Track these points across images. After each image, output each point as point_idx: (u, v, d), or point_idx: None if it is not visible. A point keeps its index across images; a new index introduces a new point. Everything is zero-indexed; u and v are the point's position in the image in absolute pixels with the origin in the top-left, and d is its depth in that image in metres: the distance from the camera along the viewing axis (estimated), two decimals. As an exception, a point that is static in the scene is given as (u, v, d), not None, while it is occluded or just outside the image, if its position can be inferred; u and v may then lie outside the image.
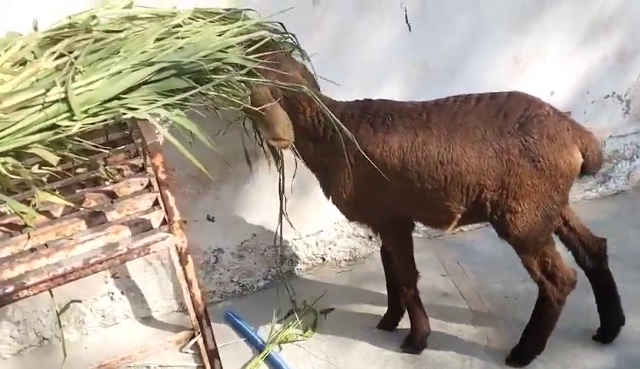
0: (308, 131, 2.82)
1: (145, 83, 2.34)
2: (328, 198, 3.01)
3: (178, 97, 2.34)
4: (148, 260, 3.58)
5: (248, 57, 2.57)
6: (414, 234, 3.82)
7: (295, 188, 3.26)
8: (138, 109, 2.24)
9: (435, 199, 2.68)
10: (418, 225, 3.79)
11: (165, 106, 2.34)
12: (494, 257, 3.64)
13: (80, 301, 3.50)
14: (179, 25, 2.69)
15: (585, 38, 3.61)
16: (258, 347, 3.41)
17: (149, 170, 2.62)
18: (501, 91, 2.64)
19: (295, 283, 3.79)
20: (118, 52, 2.39)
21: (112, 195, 2.49)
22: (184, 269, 2.35)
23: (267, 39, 2.69)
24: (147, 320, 3.75)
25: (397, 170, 2.67)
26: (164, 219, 2.33)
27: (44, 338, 3.64)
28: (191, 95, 2.39)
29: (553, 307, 2.86)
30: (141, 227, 2.33)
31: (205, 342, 2.61)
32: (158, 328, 3.70)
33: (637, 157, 4.00)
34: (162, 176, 2.16)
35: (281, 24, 2.96)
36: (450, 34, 3.21)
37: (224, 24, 2.76)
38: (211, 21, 2.81)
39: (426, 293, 3.51)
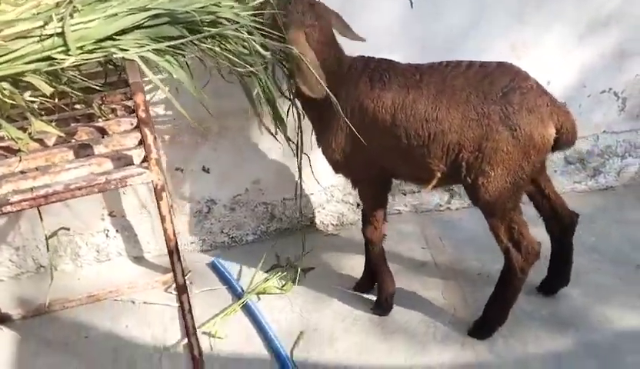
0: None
1: (139, 27, 2.49)
2: (319, 146, 3.14)
3: (168, 43, 2.49)
4: (142, 203, 3.77)
5: (240, 13, 2.70)
6: (401, 208, 4.02)
7: (288, 150, 3.37)
8: (128, 50, 2.40)
9: (419, 155, 2.83)
10: (407, 199, 4.00)
11: (156, 51, 2.50)
12: (475, 236, 3.74)
13: (68, 229, 3.68)
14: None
15: (583, 33, 3.67)
16: (237, 295, 3.59)
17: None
18: (491, 61, 2.78)
19: (282, 241, 3.96)
20: (117, -3, 2.55)
21: (103, 131, 2.66)
22: (158, 204, 2.51)
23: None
24: (138, 259, 3.96)
25: (387, 125, 2.83)
26: (144, 156, 2.49)
27: (40, 265, 3.88)
28: (182, 44, 2.55)
29: (517, 276, 2.98)
30: (123, 161, 2.49)
31: (174, 277, 2.76)
32: (148, 268, 3.91)
33: (629, 155, 4.05)
34: (142, 114, 2.31)
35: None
36: (451, 15, 3.30)
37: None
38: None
39: (404, 262, 3.71)
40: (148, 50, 2.44)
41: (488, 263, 3.59)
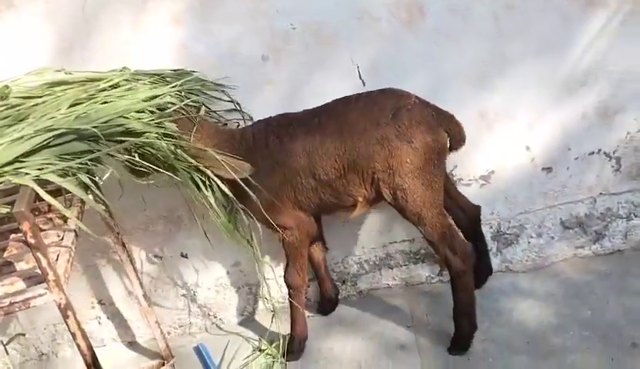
0: None
1: (46, 146, 2.58)
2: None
3: (77, 160, 2.56)
4: (128, 290, 3.86)
5: (149, 123, 2.73)
6: (391, 282, 3.90)
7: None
8: (28, 173, 2.48)
9: (340, 186, 3.12)
10: (395, 273, 3.88)
11: (65, 169, 2.57)
12: (462, 313, 3.55)
13: (24, 335, 3.90)
14: (113, 87, 2.92)
15: (560, 94, 3.44)
16: (214, 384, 3.59)
17: (70, 222, 2.87)
18: (374, 90, 3.12)
19: (269, 321, 3.90)
20: (27, 118, 2.64)
21: (28, 245, 2.74)
22: (66, 323, 2.55)
23: (176, 106, 2.85)
24: (132, 344, 4.05)
25: (306, 169, 3.10)
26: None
27: (42, 353, 4.03)
28: (92, 159, 2.61)
29: (462, 277, 3.20)
30: (35, 280, 2.55)
31: None
32: (140, 353, 3.97)
33: (635, 217, 3.73)
34: (31, 240, 2.36)
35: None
36: (406, 87, 3.18)
37: (155, 87, 2.95)
38: (152, 82, 3.02)
39: (385, 342, 3.57)
40: (50, 171, 2.50)
41: (473, 341, 3.39)
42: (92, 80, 2.99)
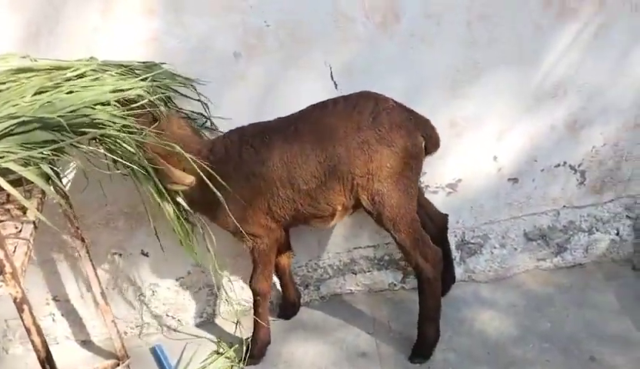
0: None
1: (9, 135, 2.48)
2: (216, 222, 3.23)
3: (40, 149, 2.47)
4: (87, 287, 3.74)
5: (116, 114, 2.66)
6: (354, 288, 3.87)
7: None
8: (-12, 162, 2.39)
9: (319, 195, 3.06)
10: (358, 278, 3.85)
11: (26, 158, 2.48)
12: (424, 320, 3.54)
13: None
14: (80, 76, 2.83)
15: (528, 106, 3.46)
16: (169, 387, 3.51)
17: (29, 213, 2.77)
18: (351, 93, 3.08)
19: (229, 323, 3.84)
20: (-10, 105, 2.55)
21: (-12, 235, 2.65)
22: (20, 317, 2.46)
23: (144, 101, 2.78)
24: (86, 343, 3.93)
25: (284, 179, 3.03)
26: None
27: (-9, 350, 3.90)
28: (55, 149, 2.52)
29: (432, 284, 3.20)
30: (-12, 271, 2.46)
31: None
32: (94, 353, 3.86)
33: (597, 231, 3.77)
34: (-12, 230, 2.28)
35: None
36: (381, 91, 3.15)
37: (123, 79, 2.88)
38: (120, 73, 2.94)
39: (347, 349, 3.54)
40: (10, 160, 2.41)
41: (435, 352, 3.39)
42: (58, 68, 2.89)
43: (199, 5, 3.10)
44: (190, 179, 2.96)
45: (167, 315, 3.88)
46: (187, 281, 3.82)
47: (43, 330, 3.73)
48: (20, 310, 2.44)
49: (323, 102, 3.07)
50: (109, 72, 2.93)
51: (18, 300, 2.41)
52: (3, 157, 2.42)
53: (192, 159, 2.86)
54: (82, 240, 3.33)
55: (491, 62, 3.35)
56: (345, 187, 3.04)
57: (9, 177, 2.49)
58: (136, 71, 3.03)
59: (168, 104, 3.13)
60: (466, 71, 3.35)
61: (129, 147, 2.70)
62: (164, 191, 2.97)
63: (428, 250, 3.16)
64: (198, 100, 3.23)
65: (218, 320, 3.93)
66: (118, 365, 3.66)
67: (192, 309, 3.89)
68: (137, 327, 3.90)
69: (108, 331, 3.66)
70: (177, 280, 3.81)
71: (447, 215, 3.57)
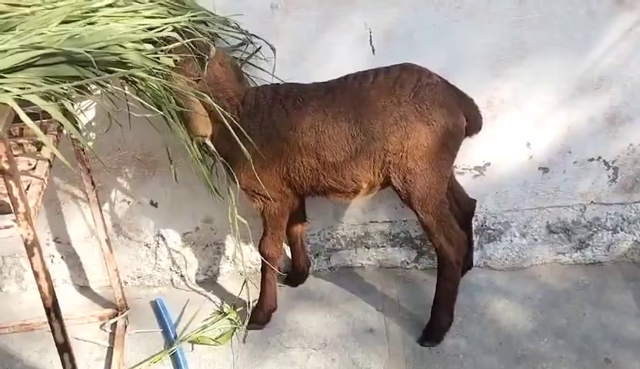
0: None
1: (32, 65, 2.31)
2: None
3: (62, 85, 2.30)
4: (91, 231, 3.61)
5: (148, 56, 2.49)
6: (365, 262, 3.75)
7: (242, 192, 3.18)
8: (10, 91, 2.21)
9: (346, 169, 2.93)
10: (370, 253, 3.73)
11: (48, 93, 2.31)
12: (434, 303, 3.43)
13: None
14: (109, 6, 2.65)
15: (570, 94, 3.29)
16: (169, 342, 3.39)
17: (44, 150, 2.62)
18: (393, 65, 2.91)
19: (234, 284, 3.73)
20: (14, 29, 2.37)
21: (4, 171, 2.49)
22: (29, 260, 2.32)
23: (178, 43, 2.60)
24: (84, 289, 3.82)
25: (311, 148, 2.89)
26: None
27: (-15, 284, 3.78)
28: (79, 86, 2.36)
29: (453, 268, 3.10)
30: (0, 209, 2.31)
31: (53, 336, 2.52)
32: (92, 300, 3.76)
33: (621, 230, 3.64)
34: (5, 166, 2.11)
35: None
36: (419, 63, 2.98)
37: (153, 15, 2.69)
38: (151, 6, 2.75)
39: (353, 323, 3.43)
40: (32, 92, 2.24)
41: (445, 338, 3.28)
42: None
43: (241, -50, 2.94)
44: (205, 132, 2.82)
45: (170, 269, 3.76)
46: (194, 237, 3.69)
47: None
48: (30, 254, 2.29)
49: (364, 72, 2.91)
50: (141, 4, 2.75)
51: (29, 243, 2.27)
52: (25, 88, 2.25)
53: (219, 109, 2.68)
54: (93, 183, 3.19)
55: (538, 44, 3.17)
56: (376, 164, 2.90)
57: (25, 109, 2.33)
58: (171, 5, 2.84)
59: (214, 40, 2.95)
60: (511, 51, 3.18)
61: (159, 92, 2.54)
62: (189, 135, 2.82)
63: (453, 234, 3.05)
64: (241, 32, 3.04)
65: (222, 280, 3.81)
66: (117, 315, 3.55)
67: (197, 266, 3.77)
68: (138, 278, 3.78)
69: (108, 279, 3.55)
70: (184, 234, 3.68)
71: (475, 201, 3.45)
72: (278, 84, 3.04)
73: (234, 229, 3.00)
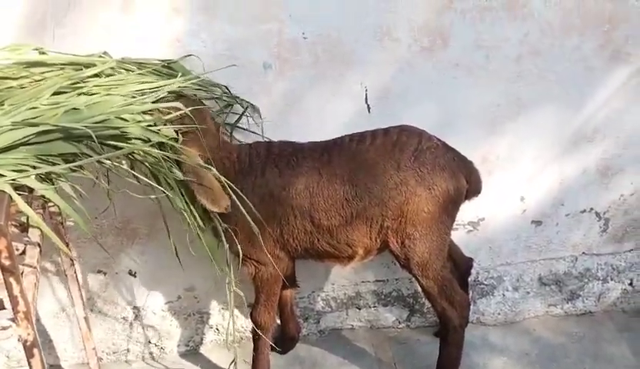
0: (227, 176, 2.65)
1: (26, 144, 2.09)
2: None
3: (60, 166, 2.09)
4: (61, 306, 3.33)
5: (151, 129, 2.30)
6: (355, 323, 3.60)
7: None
8: (3, 176, 1.98)
9: (341, 233, 2.79)
10: (361, 314, 3.58)
11: (45, 174, 2.09)
12: (433, 364, 3.28)
13: None
14: (95, 76, 2.45)
15: (564, 148, 3.28)
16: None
17: (32, 232, 2.37)
18: (391, 127, 2.79)
19: (218, 354, 3.50)
20: (2, 104, 2.14)
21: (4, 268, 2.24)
22: (29, 363, 2.07)
23: (182, 111, 2.42)
24: (54, 368, 3.50)
25: (304, 210, 2.75)
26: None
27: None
28: (76, 165, 2.14)
29: (457, 332, 2.99)
30: (-2, 306, 2.06)
31: None
32: (63, 379, 3.46)
33: (611, 280, 3.64)
34: (6, 262, 1.88)
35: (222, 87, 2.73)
36: (413, 121, 2.88)
37: (144, 82, 2.51)
38: (140, 74, 2.57)
39: (352, 393, 3.26)
40: (28, 175, 2.02)
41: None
42: (72, 64, 2.50)
43: (232, 11, 2.78)
44: (227, 203, 2.59)
45: (149, 342, 3.50)
46: (176, 306, 3.45)
47: (6, 352, 3.37)
48: (29, 356, 2.05)
49: (361, 133, 2.80)
50: (131, 72, 2.57)
51: (28, 344, 2.03)
52: (21, 170, 2.02)
53: (219, 176, 2.54)
54: (71, 258, 2.94)
55: (534, 100, 3.15)
56: (373, 229, 2.78)
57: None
58: (158, 71, 2.67)
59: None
60: (507, 108, 3.15)
61: (161, 167, 2.35)
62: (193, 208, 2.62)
63: (455, 297, 2.94)
64: (230, 97, 2.91)
65: (204, 350, 3.57)
66: (90, 397, 3.27)
67: (179, 336, 3.52)
68: (114, 353, 3.50)
69: (82, 356, 3.28)
70: (165, 304, 3.44)
71: (472, 259, 3.36)
72: (271, 141, 2.90)
73: (230, 301, 2.79)
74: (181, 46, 2.82)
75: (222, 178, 2.51)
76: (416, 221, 2.74)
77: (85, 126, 2.13)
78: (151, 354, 3.53)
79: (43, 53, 2.53)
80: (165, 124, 2.40)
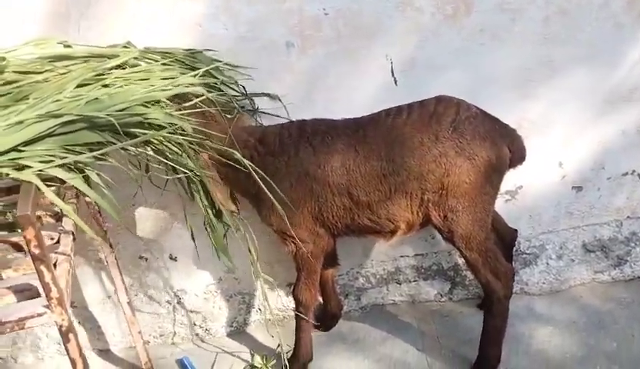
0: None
1: (51, 135, 2.14)
2: (261, 218, 2.94)
3: (86, 155, 2.14)
4: (106, 293, 3.43)
5: (173, 114, 2.33)
6: (397, 298, 3.58)
7: (267, 236, 3.10)
8: (31, 166, 2.04)
9: (381, 208, 2.77)
10: (402, 289, 3.56)
11: (71, 163, 2.14)
12: (476, 337, 3.23)
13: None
14: (119, 67, 2.49)
15: (601, 109, 3.19)
16: (199, 404, 3.21)
17: (66, 221, 2.43)
18: (428, 98, 2.74)
19: (263, 334, 3.54)
20: (27, 98, 2.20)
21: (19, 248, 2.31)
22: (66, 348, 2.13)
23: (202, 97, 2.44)
24: (104, 353, 3.61)
25: (342, 187, 2.74)
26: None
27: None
28: (100, 153, 2.19)
29: (502, 303, 2.93)
30: (27, 294, 2.11)
31: None
32: (113, 364, 3.54)
33: (658, 243, 3.54)
34: (35, 251, 1.92)
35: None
36: (442, 91, 2.82)
37: (169, 69, 2.54)
38: (164, 64, 2.60)
39: (394, 367, 3.24)
40: (55, 165, 2.07)
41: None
42: (96, 56, 2.55)
43: (252, -10, 2.79)
44: (232, 208, 2.76)
45: (194, 324, 3.57)
46: (218, 288, 3.51)
47: (55, 338, 3.47)
48: (66, 340, 2.11)
49: (398, 108, 2.76)
50: (155, 62, 2.60)
51: (64, 329, 2.08)
52: (48, 161, 2.08)
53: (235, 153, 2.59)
54: (111, 245, 3.01)
55: (566, 62, 3.06)
56: (413, 202, 2.76)
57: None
58: (182, 61, 2.70)
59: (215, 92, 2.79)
60: (538, 71, 3.07)
61: (183, 153, 2.38)
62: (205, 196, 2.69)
63: (500, 268, 2.88)
64: (244, 94, 2.91)
65: (250, 330, 3.62)
66: (144, 380, 3.35)
67: (223, 318, 3.58)
68: (160, 336, 3.58)
69: (129, 340, 3.36)
70: (207, 286, 3.50)
71: (516, 231, 3.30)
72: (304, 120, 2.89)
73: (261, 288, 2.86)
74: (203, 31, 2.85)
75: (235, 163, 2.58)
76: (458, 193, 2.70)
77: (107, 114, 2.17)
78: (197, 335, 3.60)
79: (68, 46, 2.58)
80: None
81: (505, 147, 2.75)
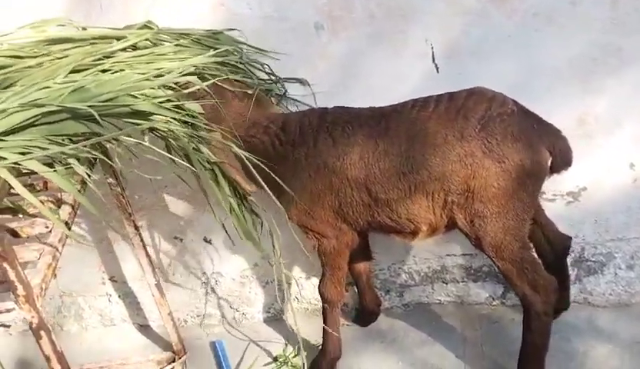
0: (266, 150, 2.63)
1: (33, 125, 2.05)
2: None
3: (69, 146, 2.04)
4: (143, 271, 3.40)
5: (163, 105, 2.18)
6: (443, 298, 3.34)
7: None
8: (4, 159, 1.96)
9: (400, 207, 2.58)
10: (449, 288, 3.31)
11: (54, 155, 2.05)
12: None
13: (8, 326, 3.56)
14: (127, 49, 2.37)
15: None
16: (228, 391, 3.14)
17: (64, 208, 2.36)
18: (461, 90, 2.49)
19: (300, 323, 3.36)
20: (15, 84, 2.12)
21: (14, 234, 2.27)
22: (38, 344, 2.08)
23: (193, 88, 2.28)
24: (144, 328, 3.63)
25: (360, 181, 2.57)
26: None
27: (47, 324, 3.64)
28: (81, 145, 2.07)
29: (541, 319, 2.66)
30: (5, 286, 2.07)
31: None
32: (152, 340, 3.56)
33: None
34: (-6, 247, 1.87)
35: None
36: (490, 82, 2.52)
37: (182, 51, 2.40)
38: (178, 45, 2.46)
39: (428, 371, 3.03)
40: (31, 158, 1.98)
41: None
42: (105, 38, 2.44)
43: (276, -33, 2.58)
44: (248, 188, 2.60)
45: (231, 307, 3.50)
46: (253, 273, 3.41)
47: (99, 310, 3.50)
48: (37, 337, 2.06)
49: (425, 99, 2.51)
50: (167, 44, 2.46)
51: (34, 326, 2.03)
52: (24, 153, 2.00)
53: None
54: (136, 227, 2.95)
55: (637, 51, 2.65)
56: (435, 204, 2.53)
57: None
58: (201, 42, 2.54)
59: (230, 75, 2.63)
60: (604, 61, 2.68)
61: (185, 143, 2.25)
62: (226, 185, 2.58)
63: (539, 280, 2.60)
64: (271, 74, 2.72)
65: (285, 317, 3.50)
66: (174, 360, 3.32)
67: (258, 303, 3.49)
68: (197, 316, 3.54)
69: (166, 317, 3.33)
70: (242, 271, 3.40)
71: (570, 238, 2.95)
72: (326, 108, 2.70)
73: (285, 283, 2.73)
74: (226, 10, 2.70)
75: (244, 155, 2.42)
76: (485, 197, 2.45)
77: (90, 105, 2.06)
78: (234, 318, 3.53)
79: (83, 28, 2.48)
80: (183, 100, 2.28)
81: (544, 150, 2.46)
